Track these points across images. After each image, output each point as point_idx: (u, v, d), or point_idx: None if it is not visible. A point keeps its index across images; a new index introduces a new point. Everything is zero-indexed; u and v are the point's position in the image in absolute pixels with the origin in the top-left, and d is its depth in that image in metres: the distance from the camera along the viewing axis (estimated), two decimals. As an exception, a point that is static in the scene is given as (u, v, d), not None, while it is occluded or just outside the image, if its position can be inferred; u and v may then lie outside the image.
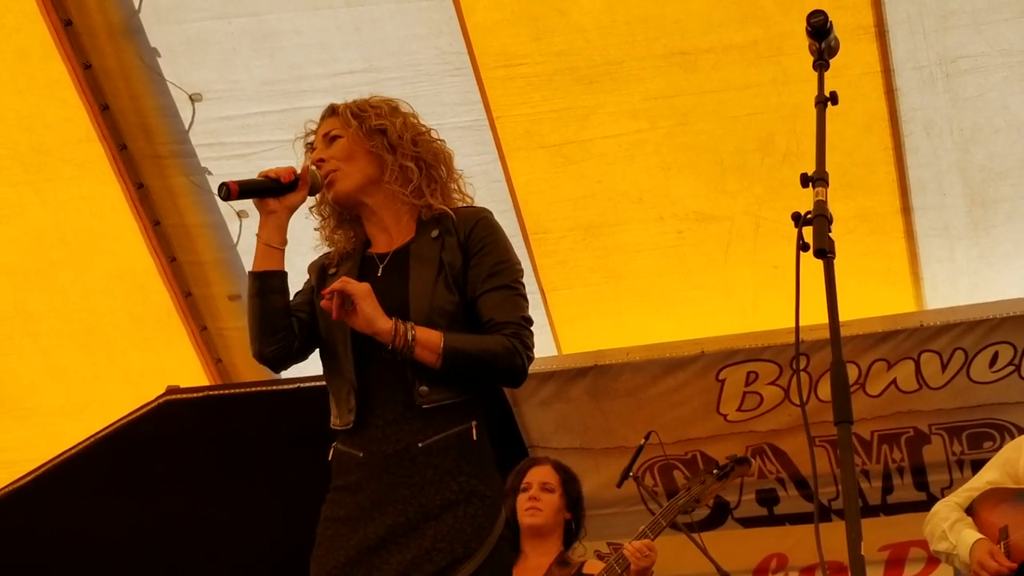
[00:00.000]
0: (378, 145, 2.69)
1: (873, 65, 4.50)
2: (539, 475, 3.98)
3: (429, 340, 2.53)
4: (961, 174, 4.79)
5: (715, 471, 4.08)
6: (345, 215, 2.82)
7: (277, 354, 2.69)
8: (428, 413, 2.58)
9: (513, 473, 4.02)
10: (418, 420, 2.60)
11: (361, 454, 2.62)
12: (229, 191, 2.62)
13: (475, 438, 2.62)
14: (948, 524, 3.67)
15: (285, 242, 2.68)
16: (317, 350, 2.84)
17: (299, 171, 2.69)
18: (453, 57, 4.66)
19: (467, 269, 2.68)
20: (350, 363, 2.65)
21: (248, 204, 3.40)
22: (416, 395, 2.58)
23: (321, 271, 2.81)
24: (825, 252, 2.23)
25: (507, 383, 2.72)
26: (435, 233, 2.70)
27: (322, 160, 2.72)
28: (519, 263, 2.79)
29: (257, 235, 2.71)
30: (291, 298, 2.81)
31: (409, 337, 2.51)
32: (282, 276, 2.68)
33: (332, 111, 2.80)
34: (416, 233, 2.74)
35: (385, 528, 2.55)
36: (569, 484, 4.02)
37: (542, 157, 4.89)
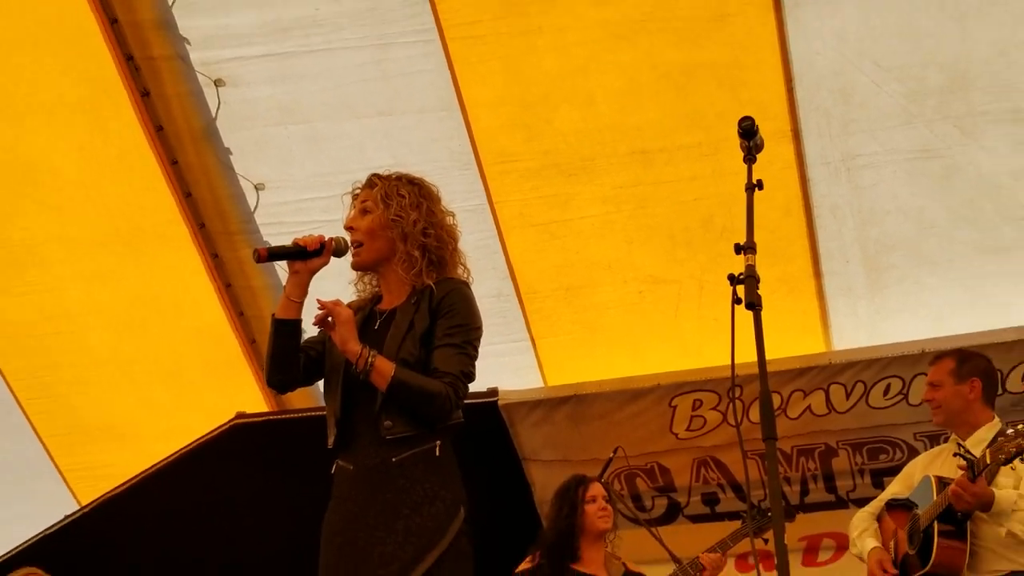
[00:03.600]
0: (395, 234, 2.69)
1: (790, 161, 4.49)
2: (600, 490, 3.98)
3: (384, 368, 2.57)
4: (860, 247, 4.82)
5: (769, 515, 4.07)
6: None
7: (280, 383, 2.78)
8: (391, 443, 2.61)
9: (568, 490, 4.02)
10: (393, 444, 2.63)
11: (352, 467, 2.66)
12: (259, 256, 2.64)
13: (438, 454, 2.64)
14: (856, 534, 3.72)
15: (304, 296, 2.69)
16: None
17: (325, 240, 2.69)
18: (462, 155, 4.66)
19: (434, 328, 2.70)
20: (338, 397, 2.68)
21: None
22: (381, 428, 2.62)
23: None
24: (755, 305, 2.30)
25: (434, 419, 2.72)
26: (414, 300, 2.71)
27: (351, 228, 2.73)
28: (478, 327, 2.79)
29: (284, 288, 2.74)
30: (309, 337, 2.83)
31: (368, 362, 2.54)
32: (296, 323, 2.70)
33: (371, 184, 2.78)
34: (406, 298, 2.76)
35: (367, 528, 2.58)
36: (612, 496, 4.08)
37: (532, 234, 4.92)
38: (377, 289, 2.83)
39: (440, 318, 2.69)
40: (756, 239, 2.48)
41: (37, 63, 4.64)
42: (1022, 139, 4.47)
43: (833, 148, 4.56)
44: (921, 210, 4.70)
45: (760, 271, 2.43)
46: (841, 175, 4.61)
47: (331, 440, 2.68)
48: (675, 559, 3.96)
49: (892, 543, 3.55)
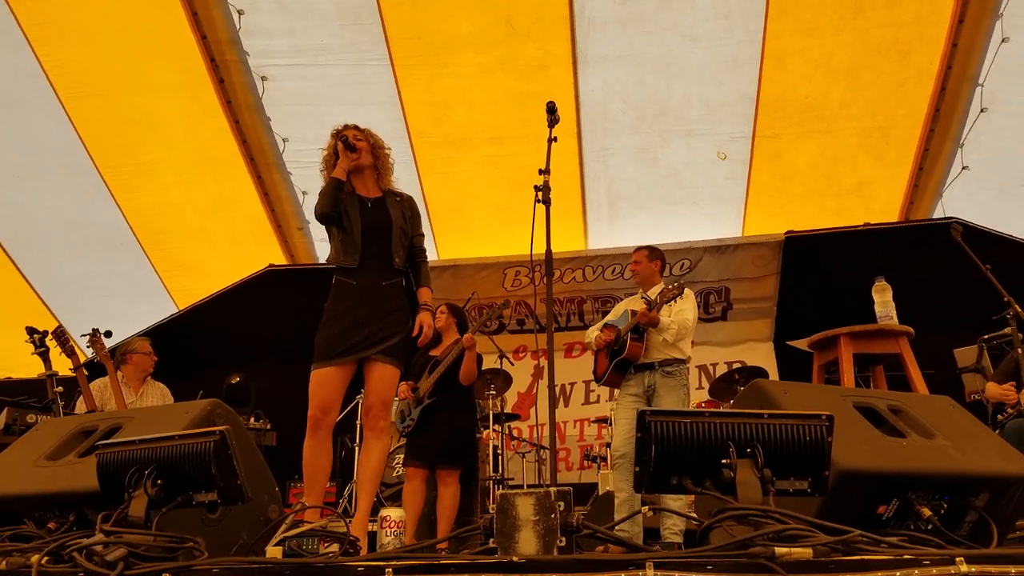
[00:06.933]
0: (376, 153, 2.85)
1: (575, 151, 5.37)
2: (444, 309, 4.05)
3: (426, 294, 2.79)
4: (606, 197, 5.80)
5: (501, 306, 4.26)
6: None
7: (325, 217, 2.69)
8: (393, 273, 2.70)
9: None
10: (387, 274, 2.69)
11: (355, 283, 2.68)
12: (344, 141, 2.73)
13: (404, 284, 2.77)
14: (590, 331, 3.92)
15: (348, 169, 2.76)
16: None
17: (357, 147, 2.77)
18: (400, 132, 5.35)
19: (411, 221, 2.84)
20: (358, 235, 2.68)
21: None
22: (393, 262, 2.70)
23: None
24: (546, 202, 2.52)
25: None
26: (398, 199, 2.84)
27: (358, 139, 2.79)
28: None
29: (338, 164, 2.76)
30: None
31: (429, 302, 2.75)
32: (342, 182, 2.72)
33: (359, 129, 2.86)
34: (383, 195, 2.81)
35: (360, 318, 2.63)
36: (456, 312, 4.07)
37: (436, 178, 5.67)
38: (344, 181, 2.73)
39: (411, 218, 2.84)
40: (552, 198, 2.68)
41: (159, 65, 5.21)
42: (691, 146, 5.40)
43: (596, 143, 5.44)
44: (638, 180, 5.64)
45: (554, 209, 2.69)
46: (599, 159, 5.53)
47: (354, 260, 2.65)
48: (500, 350, 4.62)
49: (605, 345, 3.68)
